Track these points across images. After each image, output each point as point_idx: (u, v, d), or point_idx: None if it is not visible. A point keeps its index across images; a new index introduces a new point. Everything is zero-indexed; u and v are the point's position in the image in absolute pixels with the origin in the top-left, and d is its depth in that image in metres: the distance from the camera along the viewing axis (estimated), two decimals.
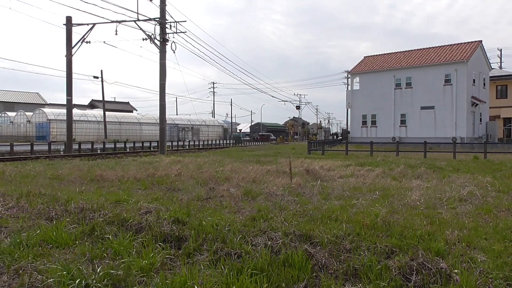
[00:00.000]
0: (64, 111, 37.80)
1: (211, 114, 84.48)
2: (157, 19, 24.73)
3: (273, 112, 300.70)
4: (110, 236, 4.73)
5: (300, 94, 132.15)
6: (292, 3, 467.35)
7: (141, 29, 25.02)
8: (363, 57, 44.99)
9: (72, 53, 26.05)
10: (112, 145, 32.37)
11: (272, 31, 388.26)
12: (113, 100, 79.20)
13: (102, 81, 43.83)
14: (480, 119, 37.97)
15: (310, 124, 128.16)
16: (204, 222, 5.23)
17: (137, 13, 24.51)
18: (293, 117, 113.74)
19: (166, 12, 25.17)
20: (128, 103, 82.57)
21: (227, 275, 3.62)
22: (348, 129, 46.81)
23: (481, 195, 7.80)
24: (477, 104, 36.06)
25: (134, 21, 24.57)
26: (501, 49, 56.89)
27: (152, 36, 24.76)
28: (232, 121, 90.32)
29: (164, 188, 9.02)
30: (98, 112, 51.39)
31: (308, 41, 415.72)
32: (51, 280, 3.52)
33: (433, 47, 39.89)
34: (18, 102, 66.64)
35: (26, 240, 4.59)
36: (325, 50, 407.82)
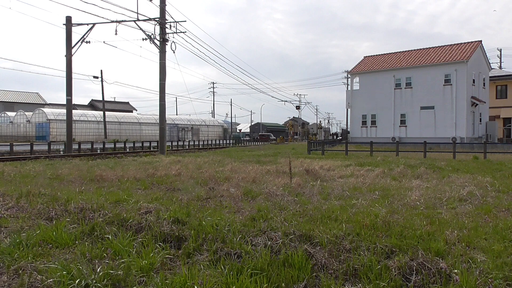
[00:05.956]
0: (64, 111, 37.85)
1: (211, 114, 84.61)
2: (157, 19, 24.74)
3: (273, 112, 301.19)
4: (110, 236, 4.72)
5: (300, 94, 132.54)
6: (294, 3, 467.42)
7: (141, 29, 25.06)
8: (363, 57, 45.00)
9: (72, 53, 26.07)
10: (112, 145, 32.38)
11: (273, 30, 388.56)
12: (113, 100, 79.26)
13: (102, 81, 43.82)
14: (480, 119, 37.97)
15: (310, 124, 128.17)
16: (204, 222, 5.23)
17: (137, 13, 24.56)
18: (293, 117, 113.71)
19: (166, 12, 25.20)
20: (128, 103, 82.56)
21: (227, 275, 3.62)
22: (348, 129, 46.80)
23: (481, 195, 7.80)
24: (477, 104, 36.06)
25: (134, 21, 24.60)
26: (501, 49, 56.81)
27: (152, 36, 24.78)
28: (232, 121, 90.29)
29: (164, 188, 9.02)
30: (98, 112, 51.38)
31: (310, 40, 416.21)
32: (51, 280, 3.52)
33: (433, 47, 39.90)
34: (18, 102, 66.61)
35: (26, 240, 4.59)
36: (327, 50, 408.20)
